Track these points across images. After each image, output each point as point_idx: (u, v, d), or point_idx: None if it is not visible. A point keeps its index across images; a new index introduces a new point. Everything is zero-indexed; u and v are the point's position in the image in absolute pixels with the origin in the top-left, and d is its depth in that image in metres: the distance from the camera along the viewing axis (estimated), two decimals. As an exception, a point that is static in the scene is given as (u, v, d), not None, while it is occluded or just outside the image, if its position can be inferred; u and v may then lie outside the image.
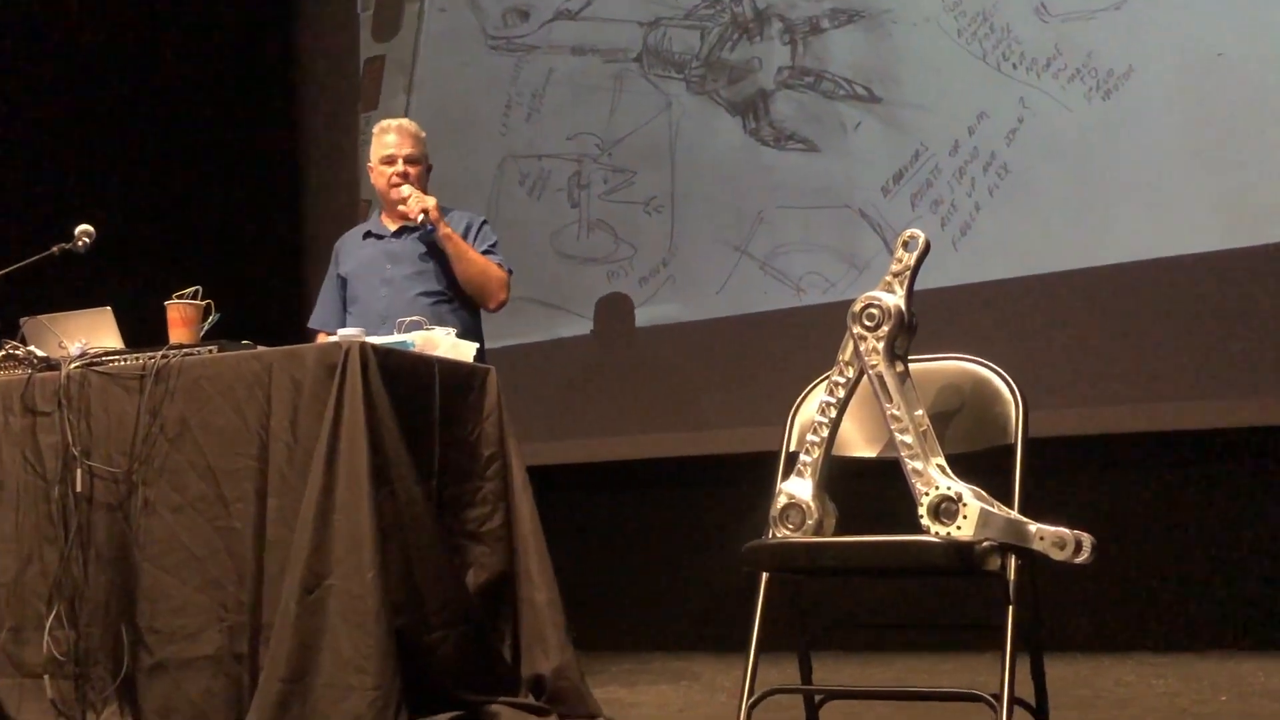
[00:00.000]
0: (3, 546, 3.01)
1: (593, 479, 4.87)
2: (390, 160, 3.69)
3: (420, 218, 3.58)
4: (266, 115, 5.71)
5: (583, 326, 4.98)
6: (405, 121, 3.80)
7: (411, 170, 3.68)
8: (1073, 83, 4.10)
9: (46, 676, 2.90)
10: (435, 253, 3.65)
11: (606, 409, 4.88)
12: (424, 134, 3.78)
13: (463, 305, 3.67)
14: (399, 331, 3.07)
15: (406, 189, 3.63)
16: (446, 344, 3.03)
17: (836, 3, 4.53)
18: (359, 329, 2.89)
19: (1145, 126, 3.98)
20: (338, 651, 2.60)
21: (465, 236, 3.67)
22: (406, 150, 3.69)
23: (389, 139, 3.71)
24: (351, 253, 3.80)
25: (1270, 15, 3.83)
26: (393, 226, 3.73)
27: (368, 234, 3.81)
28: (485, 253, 3.68)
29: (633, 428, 4.80)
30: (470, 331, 3.57)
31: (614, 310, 4.91)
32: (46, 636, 2.89)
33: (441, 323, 3.44)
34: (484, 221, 3.77)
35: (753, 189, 4.65)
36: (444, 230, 3.60)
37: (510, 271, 3.70)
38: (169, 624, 2.84)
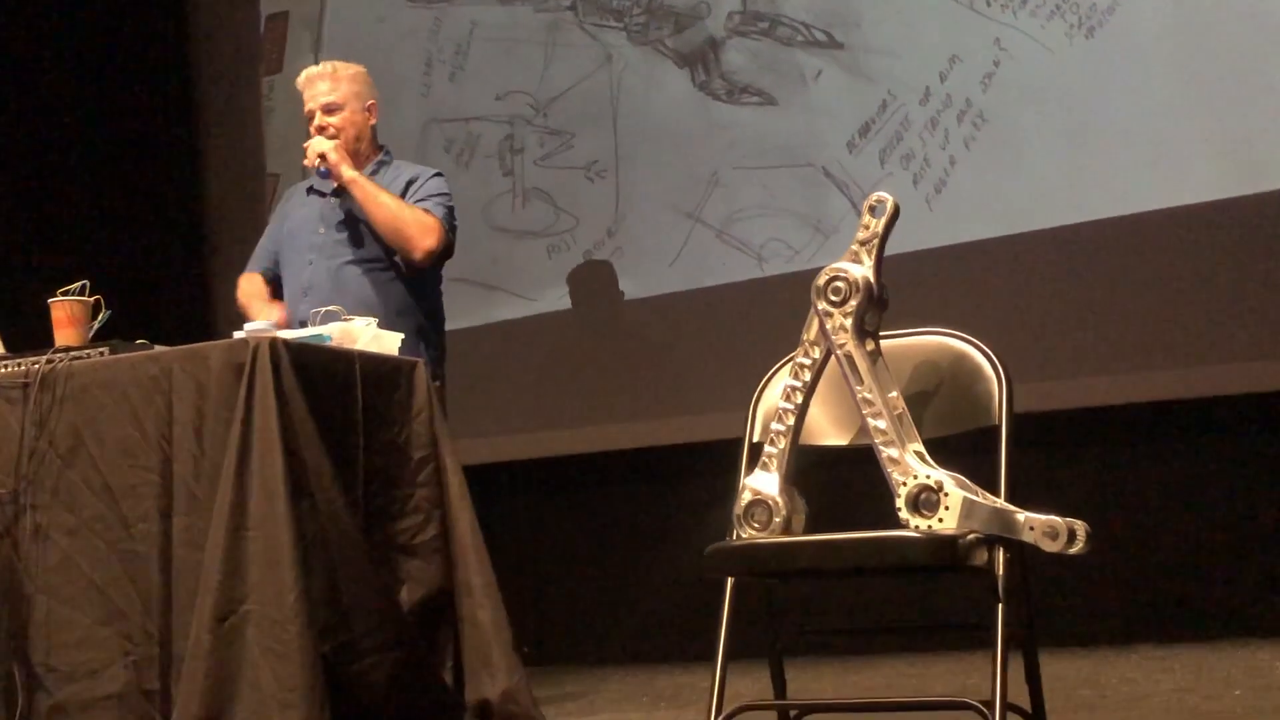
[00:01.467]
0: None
1: (538, 478, 4.87)
2: (309, 116, 3.66)
3: (317, 163, 3.54)
4: (156, 84, 5.65)
5: (522, 307, 4.97)
6: (318, 67, 3.72)
7: (332, 119, 3.63)
8: (1052, 20, 4.12)
9: (-69, 726, 2.88)
10: None
11: (551, 398, 4.88)
12: (351, 69, 3.71)
13: (401, 275, 3.61)
14: (313, 323, 3.05)
15: (314, 141, 3.59)
16: (367, 335, 3.01)
17: (790, -62, 4.54)
18: (267, 321, 2.88)
19: (1134, 66, 4.01)
20: (258, 684, 2.58)
21: (405, 190, 3.61)
22: (324, 99, 3.64)
23: (305, 94, 3.68)
24: (289, 211, 3.78)
25: (1266, -61, 3.86)
26: (335, 183, 3.66)
27: (310, 189, 3.76)
28: (421, 201, 3.58)
29: (581, 419, 4.80)
30: (407, 308, 3.53)
31: (541, 287, 4.90)
32: (-70, 680, 2.86)
33: (373, 294, 3.42)
34: (436, 174, 3.68)
35: (705, 149, 4.65)
36: (347, 175, 3.53)
37: (449, 225, 3.58)
38: (68, 660, 2.81)
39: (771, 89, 4.56)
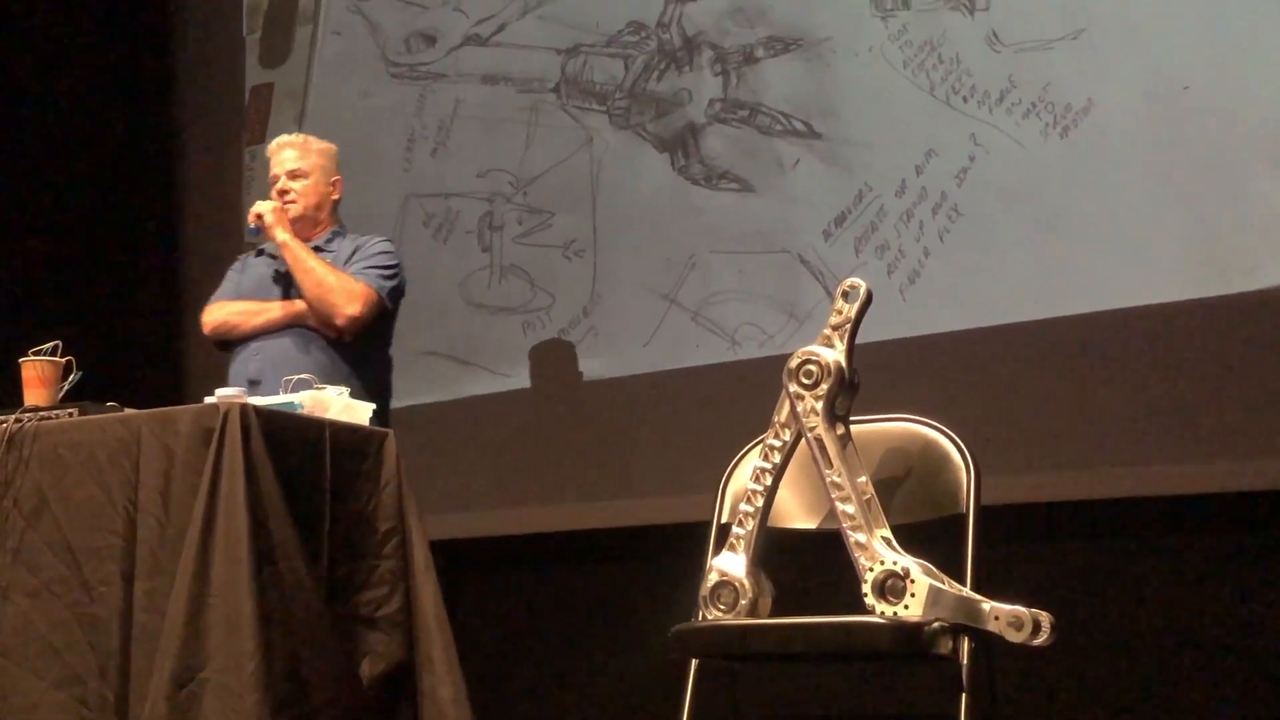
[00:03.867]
0: None
1: (504, 554, 4.84)
2: (273, 180, 3.71)
3: (254, 222, 3.57)
4: (139, 148, 5.67)
5: (495, 384, 4.97)
6: (291, 135, 3.84)
7: (295, 184, 3.68)
8: (1028, 118, 4.17)
9: (-123, 791, 2.82)
10: None
11: (520, 475, 4.86)
12: (320, 145, 3.78)
13: (337, 344, 3.60)
14: (285, 390, 3.04)
15: (258, 204, 3.63)
16: (339, 405, 3.01)
17: (772, 30, 4.59)
18: (238, 389, 2.87)
19: (1107, 166, 4.05)
20: (214, 755, 2.55)
21: (350, 256, 3.64)
22: (290, 165, 3.71)
23: (274, 159, 3.74)
24: (247, 269, 3.80)
25: (1241, 44, 3.92)
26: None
27: (260, 251, 3.79)
28: (360, 266, 3.62)
29: (549, 496, 4.79)
30: (342, 378, 3.47)
31: (524, 364, 4.91)
32: (-122, 744, 2.81)
33: (313, 359, 3.42)
34: (382, 240, 3.73)
35: (682, 232, 4.68)
36: (279, 237, 3.57)
37: (382, 289, 3.60)
38: (20, 725, 2.78)
39: (750, 175, 4.59)
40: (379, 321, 3.63)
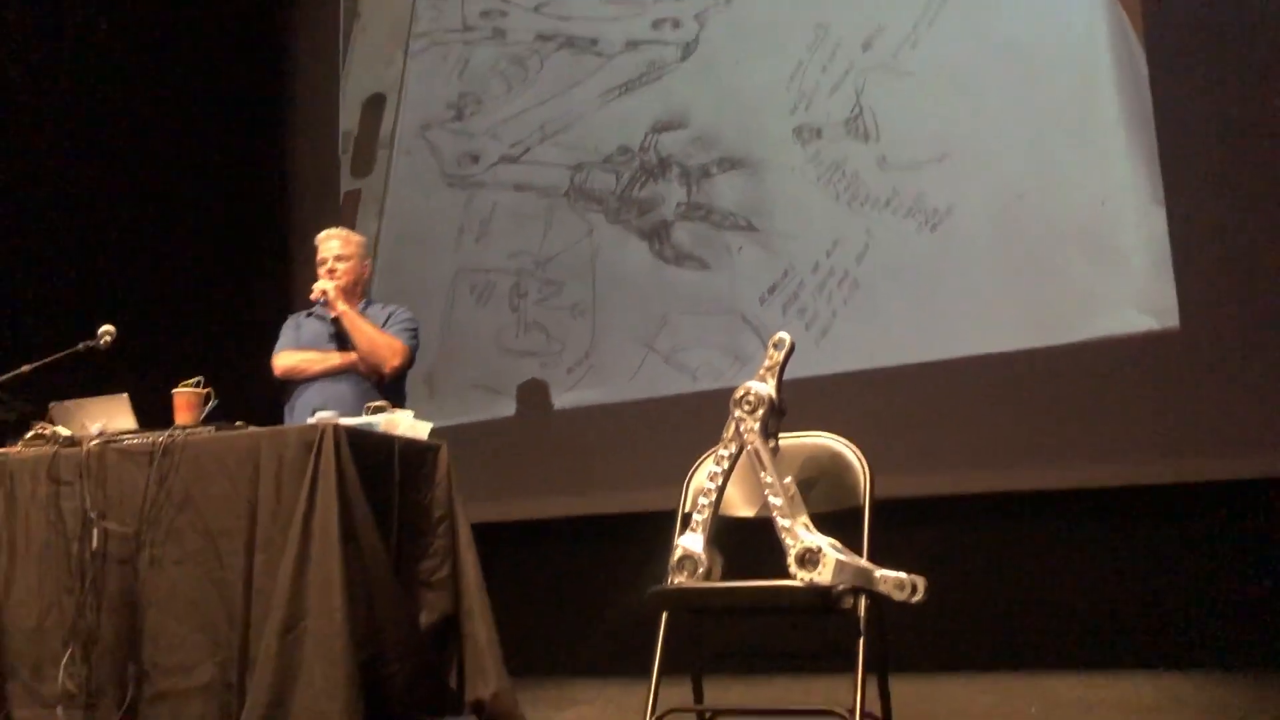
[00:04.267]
0: (28, 597, 2.90)
1: (525, 534, 4.80)
2: (322, 261, 3.66)
3: (320, 296, 3.54)
4: (261, 236, 5.66)
5: (520, 408, 4.95)
6: (335, 229, 3.75)
7: (339, 266, 3.64)
8: (908, 217, 4.19)
9: (60, 708, 2.78)
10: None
11: (538, 475, 4.84)
12: (358, 237, 3.74)
13: (376, 385, 3.52)
14: (367, 414, 3.02)
15: (320, 283, 3.59)
16: (406, 424, 2.99)
17: (722, 153, 4.61)
18: (333, 411, 2.85)
19: (966, 251, 4.08)
20: (312, 682, 2.52)
21: (386, 320, 3.62)
22: (336, 251, 3.65)
23: (321, 246, 3.68)
24: (300, 324, 3.73)
25: (1060, 164, 3.96)
26: (333, 314, 3.64)
27: (310, 314, 3.73)
28: (393, 327, 3.57)
29: (558, 491, 4.76)
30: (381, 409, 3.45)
31: (539, 393, 4.89)
32: (62, 673, 2.77)
33: (359, 397, 3.38)
34: (408, 311, 3.68)
35: (658, 299, 4.67)
36: (339, 308, 3.54)
37: (413, 347, 3.57)
38: (169, 660, 2.74)
39: (707, 258, 4.60)
40: (408, 370, 3.63)
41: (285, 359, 3.65)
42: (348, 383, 3.52)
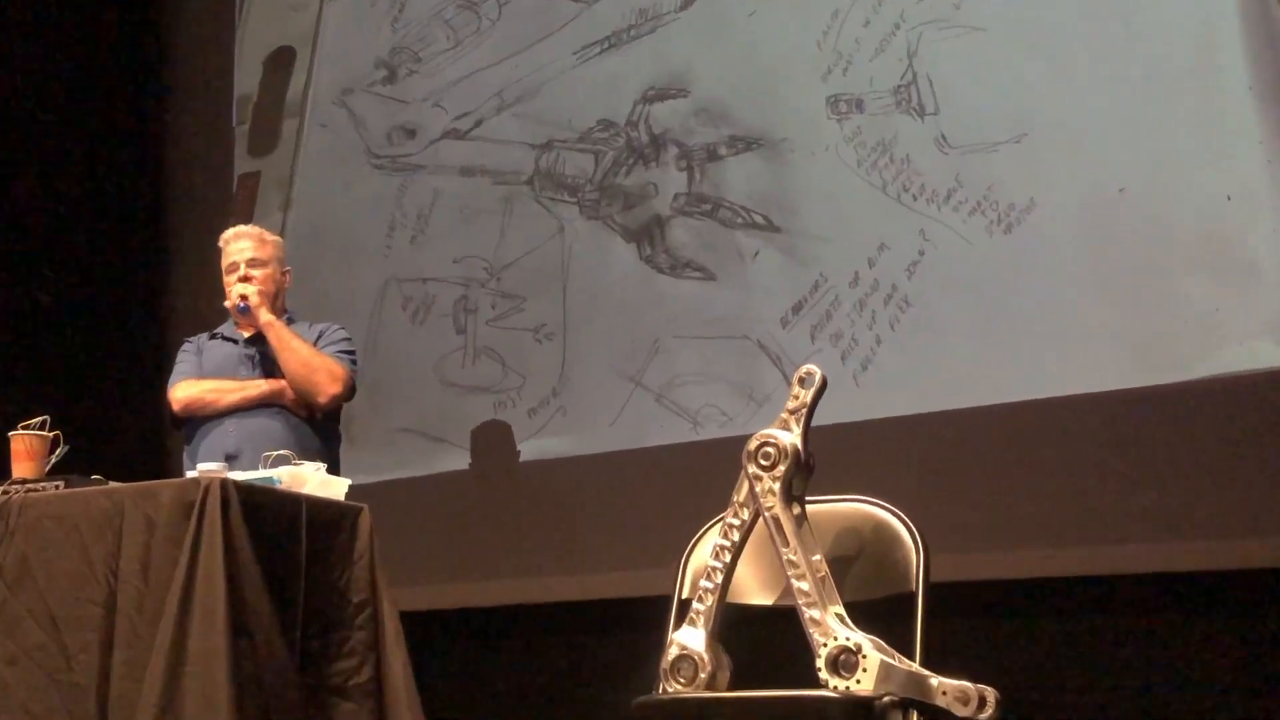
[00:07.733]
0: None
1: (473, 626, 4.79)
2: (233, 268, 3.68)
3: (239, 302, 3.56)
4: (130, 231, 5.65)
5: (466, 459, 4.94)
6: (245, 227, 3.82)
7: (254, 273, 3.67)
8: (974, 215, 4.20)
9: None
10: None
11: (490, 549, 4.82)
12: (273, 238, 3.79)
13: (309, 421, 3.58)
14: (263, 465, 3.02)
15: (238, 286, 3.61)
16: (315, 480, 2.99)
17: (734, 130, 4.63)
18: (219, 464, 2.84)
19: (1048, 261, 4.09)
20: (187, 823, 2.50)
21: (316, 339, 3.64)
22: (249, 254, 3.69)
23: (230, 248, 3.72)
24: (203, 348, 3.75)
25: (1173, 149, 3.97)
26: (246, 333, 3.68)
27: (215, 335, 3.76)
28: (329, 348, 3.63)
29: (517, 570, 4.74)
30: (315, 453, 3.48)
31: (494, 441, 4.88)
32: None
33: (290, 437, 3.40)
34: (342, 328, 3.75)
35: (648, 318, 4.68)
36: (264, 318, 3.56)
37: (354, 370, 3.63)
38: (-3, 792, 2.71)
39: (712, 265, 4.61)
40: (349, 398, 3.65)
41: (186, 389, 3.66)
42: (275, 418, 3.52)
